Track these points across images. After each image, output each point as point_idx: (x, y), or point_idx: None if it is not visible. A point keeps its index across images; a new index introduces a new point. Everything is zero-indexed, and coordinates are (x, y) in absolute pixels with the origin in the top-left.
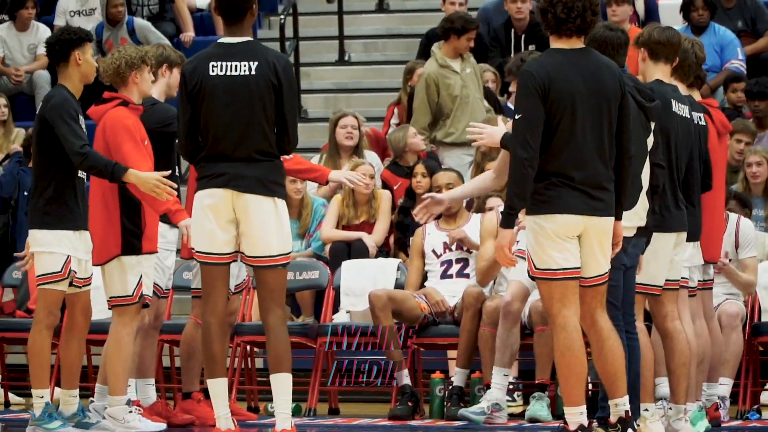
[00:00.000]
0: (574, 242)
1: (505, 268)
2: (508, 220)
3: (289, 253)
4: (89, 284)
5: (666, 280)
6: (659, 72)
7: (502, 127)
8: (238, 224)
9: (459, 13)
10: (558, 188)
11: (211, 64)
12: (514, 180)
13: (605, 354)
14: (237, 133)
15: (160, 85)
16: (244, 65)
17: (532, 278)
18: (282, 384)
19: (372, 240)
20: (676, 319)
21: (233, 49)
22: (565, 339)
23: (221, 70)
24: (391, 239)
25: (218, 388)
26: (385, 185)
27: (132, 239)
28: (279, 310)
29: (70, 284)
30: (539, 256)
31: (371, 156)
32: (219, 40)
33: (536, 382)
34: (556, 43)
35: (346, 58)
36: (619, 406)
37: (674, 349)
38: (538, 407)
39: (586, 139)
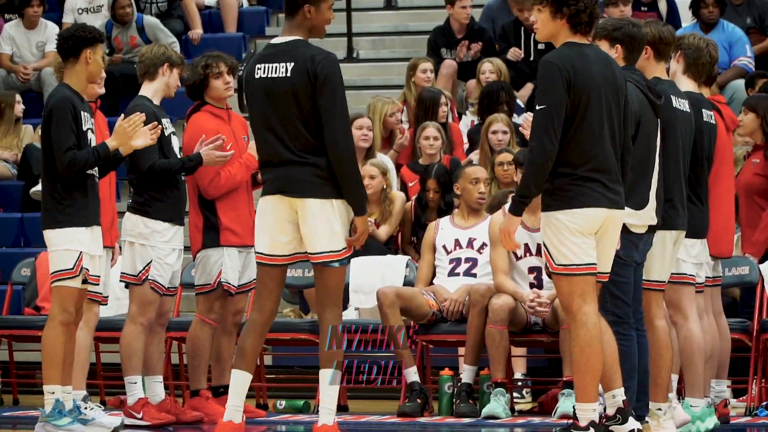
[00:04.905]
0: (593, 238)
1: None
2: (519, 208)
3: (341, 250)
4: (96, 283)
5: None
6: (660, 70)
7: None
8: (298, 226)
9: None
10: (583, 182)
11: (257, 66)
12: (535, 170)
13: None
14: (278, 137)
15: (158, 84)
16: (282, 67)
17: (550, 275)
18: (327, 379)
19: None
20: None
21: (277, 50)
22: (585, 335)
23: (263, 73)
24: (400, 239)
25: (239, 380)
26: (402, 182)
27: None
28: (335, 308)
29: (84, 281)
30: (561, 252)
31: (383, 157)
32: (272, 41)
33: (564, 379)
34: (571, 38)
35: (354, 55)
36: (617, 397)
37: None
38: (569, 404)
39: (604, 132)
